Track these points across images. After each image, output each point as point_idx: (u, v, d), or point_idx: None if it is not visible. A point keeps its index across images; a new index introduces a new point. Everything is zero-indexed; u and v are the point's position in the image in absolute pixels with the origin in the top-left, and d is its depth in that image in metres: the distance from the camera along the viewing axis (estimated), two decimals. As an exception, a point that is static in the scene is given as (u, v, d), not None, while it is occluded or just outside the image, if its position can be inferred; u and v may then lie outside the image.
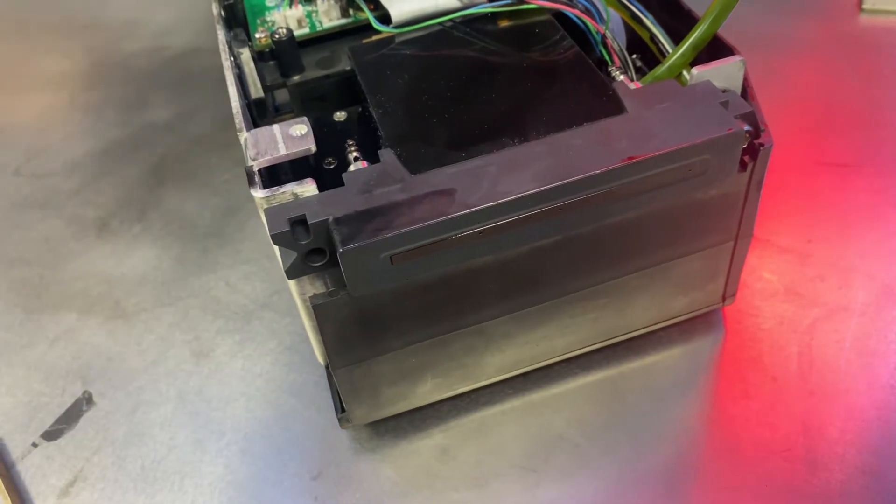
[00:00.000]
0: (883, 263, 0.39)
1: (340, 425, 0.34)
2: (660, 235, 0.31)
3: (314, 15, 0.38)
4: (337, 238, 0.26)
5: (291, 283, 0.28)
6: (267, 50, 0.36)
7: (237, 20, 0.39)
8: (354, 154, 0.30)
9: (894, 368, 0.35)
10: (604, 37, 0.34)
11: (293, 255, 0.27)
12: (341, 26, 0.37)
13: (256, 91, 0.36)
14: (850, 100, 0.49)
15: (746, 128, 0.28)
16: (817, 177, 0.44)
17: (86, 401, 0.38)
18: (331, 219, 0.26)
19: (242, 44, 0.36)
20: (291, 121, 0.29)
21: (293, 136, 0.29)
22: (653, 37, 0.34)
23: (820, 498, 0.31)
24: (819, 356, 0.36)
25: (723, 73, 0.30)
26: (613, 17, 0.35)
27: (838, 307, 0.37)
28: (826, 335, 0.36)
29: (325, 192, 0.27)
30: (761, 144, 0.30)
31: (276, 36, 0.35)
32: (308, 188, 0.27)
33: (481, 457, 0.34)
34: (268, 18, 0.38)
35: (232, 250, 0.45)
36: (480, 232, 0.27)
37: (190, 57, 0.60)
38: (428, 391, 0.34)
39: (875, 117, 0.47)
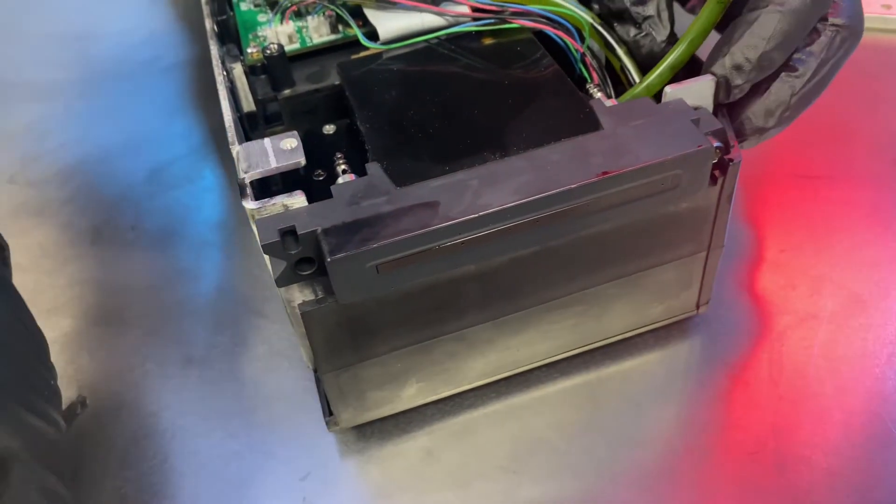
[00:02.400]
0: (852, 272, 0.41)
1: (328, 428, 0.35)
2: (634, 246, 0.33)
3: (304, 31, 0.39)
4: (325, 248, 0.27)
5: (281, 290, 0.29)
6: (259, 64, 0.37)
7: (230, 35, 0.40)
8: (342, 167, 0.31)
9: (860, 374, 0.36)
10: (583, 55, 0.36)
11: (283, 264, 0.28)
12: (331, 42, 0.38)
13: (248, 105, 0.36)
14: (825, 114, 0.50)
15: (717, 144, 0.30)
16: (791, 188, 0.45)
17: (80, 405, 0.39)
18: (319, 229, 0.27)
19: (235, 59, 0.37)
20: (282, 135, 0.30)
21: (283, 150, 0.30)
22: (623, 67, 0.35)
23: (787, 499, 0.33)
24: (789, 362, 0.37)
25: (695, 91, 0.32)
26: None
27: (808, 315, 0.39)
28: (796, 342, 0.38)
29: (314, 203, 0.28)
30: (731, 160, 0.31)
31: (268, 51, 0.36)
32: (298, 200, 0.28)
33: (464, 458, 0.35)
34: (259, 34, 0.39)
35: (224, 257, 0.46)
36: (463, 242, 0.28)
37: (184, 68, 0.61)
38: (412, 395, 0.35)
39: (848, 131, 0.49)
